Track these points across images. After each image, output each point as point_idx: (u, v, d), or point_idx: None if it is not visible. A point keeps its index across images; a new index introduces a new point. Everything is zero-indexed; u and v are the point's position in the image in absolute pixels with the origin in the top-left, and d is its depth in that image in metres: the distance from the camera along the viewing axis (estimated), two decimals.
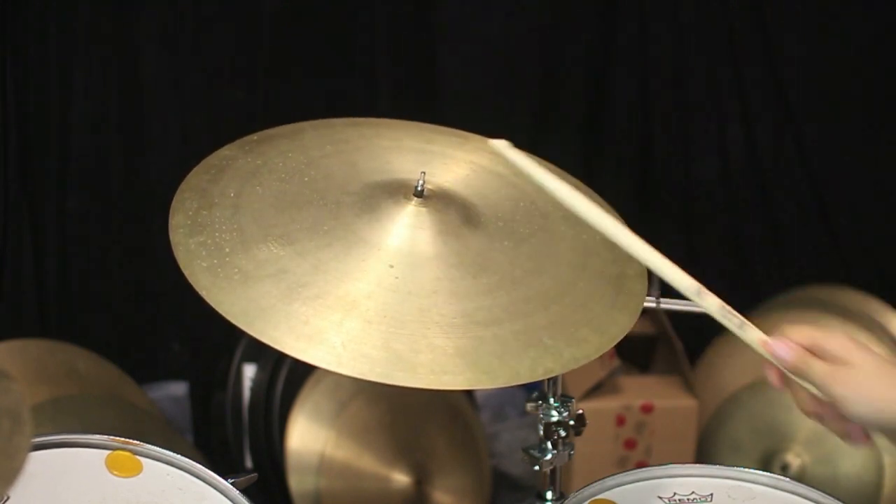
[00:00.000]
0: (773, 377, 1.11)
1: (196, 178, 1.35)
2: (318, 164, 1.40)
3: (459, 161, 1.46)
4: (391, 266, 1.26)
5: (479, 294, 1.26)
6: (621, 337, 1.30)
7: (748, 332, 1.11)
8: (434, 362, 1.18)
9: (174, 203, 1.31)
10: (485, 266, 1.30)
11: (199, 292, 1.21)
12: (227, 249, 1.25)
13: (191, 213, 1.29)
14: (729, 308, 1.12)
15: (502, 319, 1.24)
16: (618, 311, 1.32)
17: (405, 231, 1.30)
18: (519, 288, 1.30)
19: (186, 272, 1.23)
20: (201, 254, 1.24)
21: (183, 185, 1.33)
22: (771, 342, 1.09)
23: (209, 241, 1.26)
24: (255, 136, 1.45)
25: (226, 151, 1.40)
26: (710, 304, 1.12)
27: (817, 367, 1.07)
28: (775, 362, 1.10)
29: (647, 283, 1.38)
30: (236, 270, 1.23)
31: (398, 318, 1.21)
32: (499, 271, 1.30)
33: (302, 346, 1.18)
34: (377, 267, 1.26)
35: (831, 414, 1.08)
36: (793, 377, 1.09)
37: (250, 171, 1.37)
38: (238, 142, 1.43)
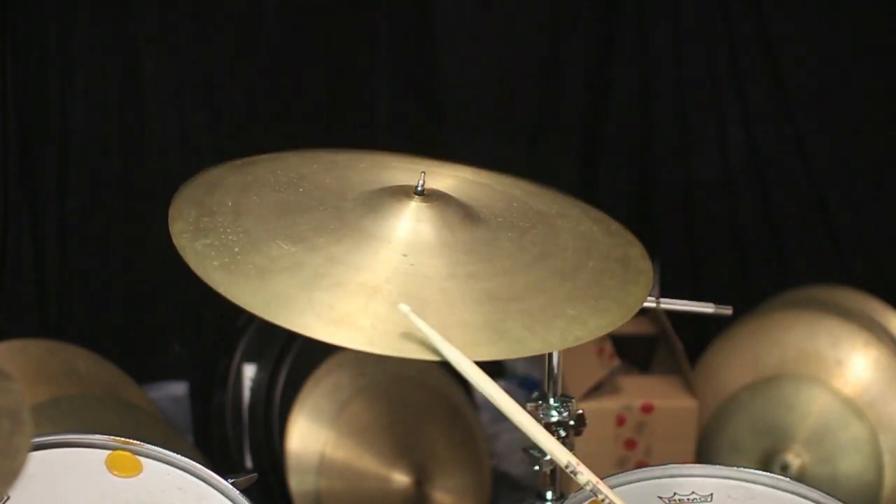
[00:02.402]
0: None
1: (189, 191, 1.35)
2: (310, 178, 1.40)
3: (445, 175, 1.48)
4: (405, 255, 1.26)
5: (497, 275, 1.27)
6: (640, 307, 1.30)
7: None
8: (466, 335, 1.18)
9: (172, 213, 1.30)
10: (495, 253, 1.31)
11: (217, 290, 1.19)
12: (237, 249, 1.25)
13: (191, 220, 1.29)
14: (605, 488, 1.11)
15: (524, 297, 1.25)
16: (630, 284, 1.33)
17: (412, 224, 1.30)
18: (533, 269, 1.30)
19: (199, 273, 1.22)
20: (210, 254, 1.24)
21: (176, 198, 1.33)
22: None
23: (216, 243, 1.25)
24: (238, 161, 1.45)
25: (213, 172, 1.41)
26: (581, 479, 1.12)
27: None
28: None
29: (650, 264, 1.39)
30: (251, 266, 1.22)
31: (422, 298, 1.20)
32: (510, 256, 1.31)
33: (331, 329, 1.16)
34: (391, 256, 1.26)
35: None
36: None
37: (244, 185, 1.37)
38: (222, 165, 1.43)
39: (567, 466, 1.11)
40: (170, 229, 1.27)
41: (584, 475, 1.11)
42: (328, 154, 1.51)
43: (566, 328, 1.22)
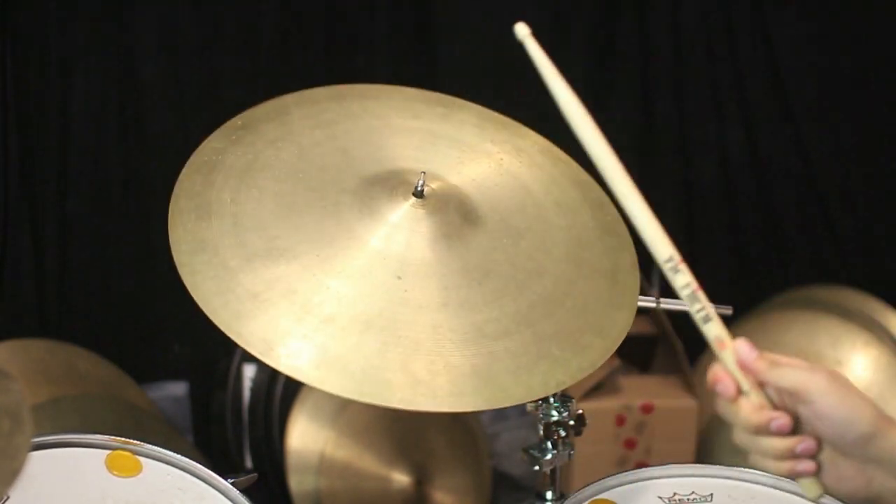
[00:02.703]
0: (724, 385, 1.01)
1: (189, 180, 1.33)
2: (309, 155, 1.39)
3: (447, 140, 1.46)
4: (399, 278, 1.26)
5: (487, 303, 1.27)
6: (623, 338, 1.31)
7: (710, 326, 1.03)
8: (453, 383, 1.19)
9: (171, 213, 1.29)
10: (488, 270, 1.30)
11: (213, 321, 1.20)
12: (233, 264, 1.24)
13: (190, 225, 1.28)
14: (702, 295, 1.03)
15: (511, 331, 1.25)
16: (616, 310, 1.33)
17: (407, 236, 1.30)
18: (523, 293, 1.30)
19: (196, 297, 1.21)
20: (208, 275, 1.23)
21: (177, 190, 1.32)
22: (734, 341, 1.02)
23: (214, 260, 1.25)
24: (238, 121, 1.44)
25: (213, 143, 1.39)
26: (680, 281, 1.04)
27: (789, 368, 1.00)
28: (731, 367, 1.01)
29: (639, 276, 1.39)
30: (246, 293, 1.22)
31: (413, 338, 1.21)
32: (502, 275, 1.31)
33: (322, 374, 1.17)
34: (385, 280, 1.25)
35: (782, 428, 1.00)
36: (746, 385, 1.01)
37: (243, 168, 1.35)
38: (223, 129, 1.41)
39: (668, 261, 1.03)
40: (169, 235, 1.27)
41: (684, 276, 1.03)
42: (330, 101, 1.48)
43: (549, 372, 1.23)
